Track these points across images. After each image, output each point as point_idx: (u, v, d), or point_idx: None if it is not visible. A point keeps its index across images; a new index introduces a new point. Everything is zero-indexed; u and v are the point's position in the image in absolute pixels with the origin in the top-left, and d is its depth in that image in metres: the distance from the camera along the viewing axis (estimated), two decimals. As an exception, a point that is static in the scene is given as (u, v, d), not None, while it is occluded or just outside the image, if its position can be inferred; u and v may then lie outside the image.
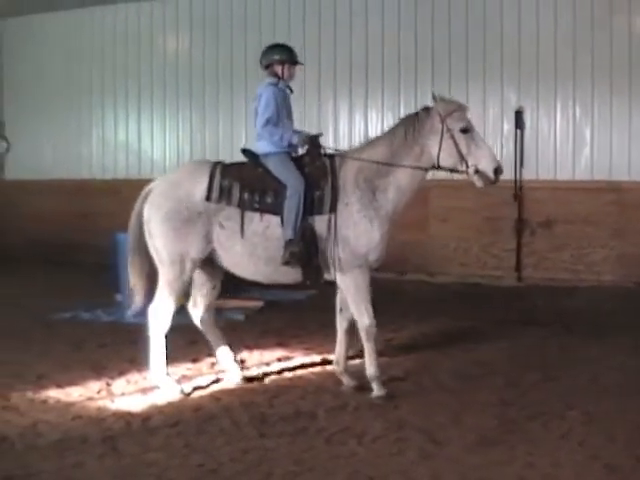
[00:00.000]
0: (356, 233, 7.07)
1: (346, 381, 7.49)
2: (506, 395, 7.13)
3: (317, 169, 7.25)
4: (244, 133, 14.31)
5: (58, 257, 15.10)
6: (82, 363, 8.32)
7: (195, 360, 8.33)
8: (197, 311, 7.78)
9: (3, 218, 16.53)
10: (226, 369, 7.73)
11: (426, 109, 7.27)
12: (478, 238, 13.52)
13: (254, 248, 7.19)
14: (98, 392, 7.37)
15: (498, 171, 7.06)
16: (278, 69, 7.54)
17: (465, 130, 7.07)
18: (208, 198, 7.18)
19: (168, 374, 7.34)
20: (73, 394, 7.29)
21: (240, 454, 5.76)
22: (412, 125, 7.19)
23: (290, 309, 11.27)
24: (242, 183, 7.20)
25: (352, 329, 7.58)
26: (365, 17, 14.29)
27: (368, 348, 7.25)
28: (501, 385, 7.44)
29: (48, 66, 17.28)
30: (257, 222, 7.15)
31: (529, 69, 13.20)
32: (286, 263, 7.09)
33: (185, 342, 8.57)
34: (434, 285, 13.30)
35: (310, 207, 7.09)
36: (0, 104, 18.10)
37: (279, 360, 8.45)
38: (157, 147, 16.12)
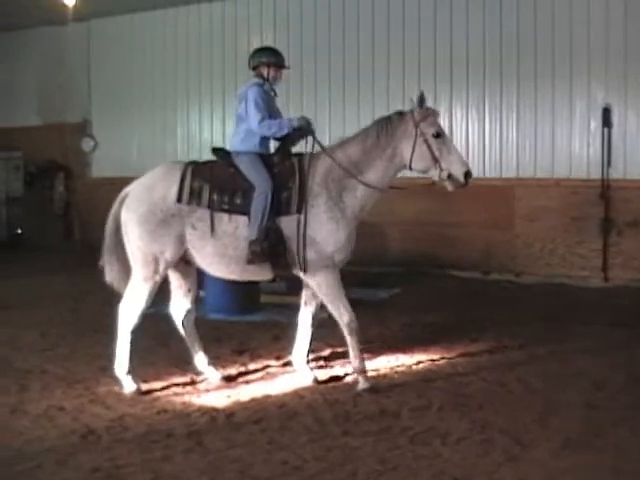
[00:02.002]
0: (323, 234, 7.18)
1: (305, 375, 7.64)
2: (592, 397, 7.01)
3: (286, 169, 7.36)
4: (327, 129, 14.32)
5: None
6: (167, 358, 8.48)
7: (278, 357, 8.38)
8: (178, 313, 7.86)
9: (89, 214, 16.78)
10: (203, 371, 7.82)
11: (400, 113, 7.43)
12: (564, 238, 13.35)
13: (225, 248, 7.28)
14: (183, 387, 7.48)
15: (468, 175, 7.20)
16: (264, 71, 7.68)
17: (437, 135, 7.22)
18: (179, 200, 7.27)
19: (129, 372, 7.40)
20: (158, 389, 7.42)
21: (324, 452, 5.78)
22: (385, 128, 7.34)
23: (373, 308, 11.22)
24: (212, 184, 7.29)
25: (315, 323, 7.82)
26: (450, 12, 14.22)
27: (352, 342, 7.39)
28: (587, 387, 7.33)
29: (134, 66, 17.65)
30: (226, 222, 7.25)
31: (616, 66, 12.98)
32: (250, 262, 7.20)
33: (270, 338, 8.61)
34: (519, 285, 13.18)
35: (278, 207, 7.18)
36: (87, 104, 18.49)
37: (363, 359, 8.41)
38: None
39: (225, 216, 7.25)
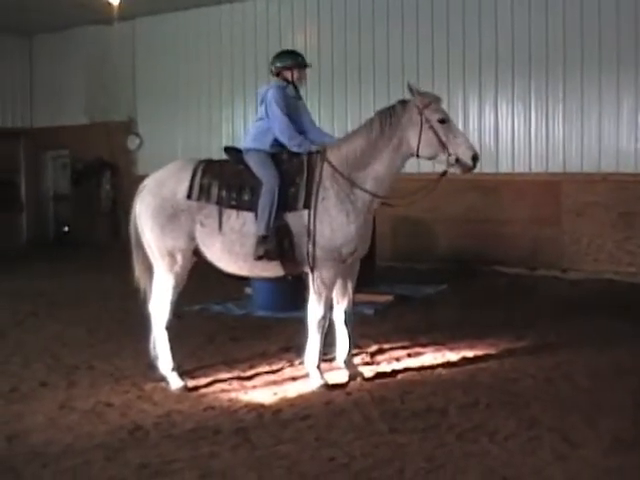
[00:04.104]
0: (332, 227, 7.20)
1: (353, 373, 7.63)
2: (642, 397, 6.94)
3: (294, 166, 7.39)
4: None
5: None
6: (214, 355, 8.51)
7: (325, 354, 8.36)
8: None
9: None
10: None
11: (402, 102, 7.41)
12: (612, 234, 13.19)
13: (232, 245, 7.33)
14: (229, 384, 7.50)
15: (476, 158, 7.20)
16: (288, 74, 7.71)
17: (443, 120, 7.22)
18: (189, 196, 7.34)
19: (174, 368, 7.47)
20: (206, 385, 7.45)
21: (371, 449, 5.76)
22: (388, 118, 7.33)
23: (420, 304, 11.23)
24: (221, 181, 7.36)
25: (350, 320, 7.75)
26: (495, 4, 14.13)
27: (314, 338, 7.37)
28: (636, 386, 7.22)
29: (178, 64, 17.76)
30: (234, 219, 7.31)
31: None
32: (259, 258, 7.23)
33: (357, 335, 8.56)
34: (566, 281, 13.06)
35: (285, 204, 7.20)
36: (133, 102, 18.64)
37: (409, 356, 8.42)
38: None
39: (233, 212, 7.32)
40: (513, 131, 14.10)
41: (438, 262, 14.23)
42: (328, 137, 7.74)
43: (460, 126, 13.28)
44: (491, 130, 14.26)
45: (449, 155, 7.18)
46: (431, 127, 7.17)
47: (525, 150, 13.98)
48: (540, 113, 13.89)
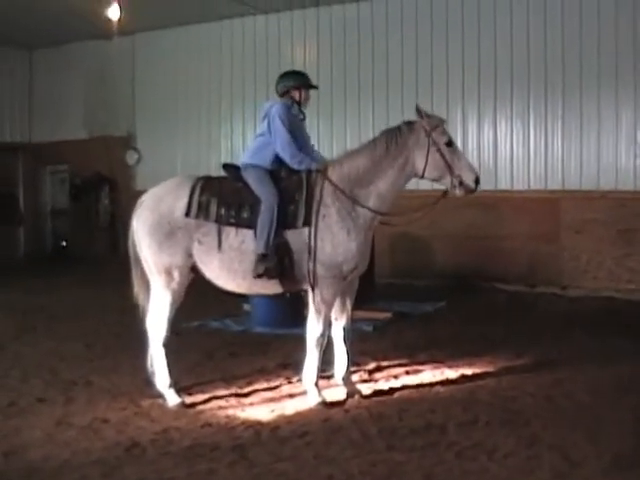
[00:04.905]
0: (333, 244, 7.19)
1: (351, 390, 7.62)
2: (643, 414, 6.91)
3: (293, 183, 7.38)
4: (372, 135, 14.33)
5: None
6: (212, 372, 8.48)
7: (323, 371, 8.33)
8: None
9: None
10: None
11: (409, 123, 7.45)
12: (612, 251, 13.20)
13: (231, 262, 7.32)
14: (227, 401, 7.47)
15: (478, 181, 7.30)
16: (295, 94, 7.76)
17: (449, 144, 7.30)
18: (187, 214, 7.33)
19: (171, 385, 7.45)
20: (203, 402, 7.43)
21: (369, 467, 5.74)
22: (394, 138, 7.37)
23: (418, 321, 11.21)
24: (219, 198, 7.34)
25: (349, 337, 7.74)
26: (494, 21, 14.17)
27: (313, 355, 7.36)
28: (638, 404, 7.18)
29: (178, 80, 17.76)
30: (233, 237, 7.30)
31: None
32: (258, 276, 7.22)
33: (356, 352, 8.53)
34: (566, 298, 13.05)
35: (284, 221, 7.20)
36: (132, 117, 18.64)
37: (408, 373, 8.40)
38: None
39: (232, 230, 7.30)
40: (512, 148, 14.13)
41: (437, 279, 14.22)
42: (322, 160, 7.68)
43: (459, 143, 13.30)
44: (490, 147, 14.29)
45: (453, 178, 7.24)
46: (438, 150, 7.23)
47: (524, 167, 14.01)
48: (539, 130, 13.92)
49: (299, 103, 7.79)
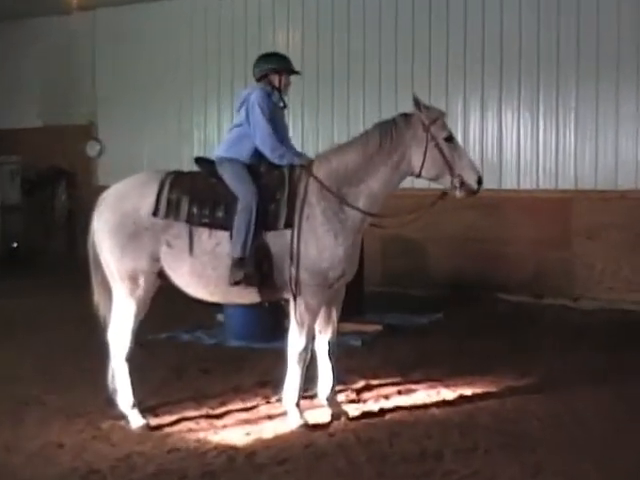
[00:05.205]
0: (318, 248, 7.19)
1: (336, 412, 7.63)
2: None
3: (274, 180, 7.39)
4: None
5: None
6: (182, 390, 8.48)
7: (306, 390, 8.35)
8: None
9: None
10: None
11: (405, 115, 7.47)
12: (629, 258, 13.22)
13: (203, 268, 7.30)
14: (197, 422, 7.47)
15: (480, 181, 7.34)
16: (275, 79, 7.78)
17: (449, 139, 7.34)
18: (155, 213, 7.30)
19: (135, 405, 7.45)
20: (171, 424, 7.42)
21: (356, 498, 5.78)
22: (389, 132, 7.37)
23: (412, 335, 11.23)
24: (191, 196, 7.32)
25: (334, 352, 7.77)
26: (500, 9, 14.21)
27: (294, 371, 7.36)
28: (652, 427, 7.28)
29: (145, 63, 17.74)
30: (206, 239, 7.28)
31: None
32: (236, 283, 7.21)
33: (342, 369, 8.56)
34: (577, 311, 13.07)
35: (264, 222, 7.20)
36: (93, 103, 18.57)
37: (400, 393, 8.43)
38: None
39: (205, 231, 7.28)
40: (519, 142, 14.13)
41: (433, 288, 14.24)
42: (304, 157, 7.68)
43: (460, 137, 13.34)
44: (494, 141, 14.30)
45: (453, 177, 7.27)
46: (437, 145, 7.25)
47: (532, 163, 14.02)
48: (549, 122, 13.93)
49: (279, 90, 7.80)
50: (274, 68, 7.77)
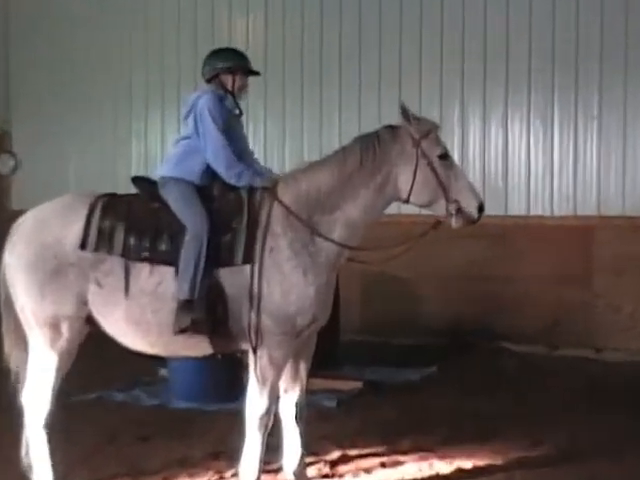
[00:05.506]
0: (284, 288, 7.14)
1: None
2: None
3: (230, 205, 7.38)
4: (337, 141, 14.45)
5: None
6: (115, 462, 8.43)
7: (268, 463, 8.36)
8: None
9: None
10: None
11: (390, 128, 7.49)
12: (664, 299, 13.35)
13: (142, 312, 7.23)
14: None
15: (482, 208, 7.35)
16: (228, 80, 7.80)
17: (443, 156, 7.35)
18: (83, 246, 7.25)
19: None
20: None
21: None
22: (371, 147, 7.35)
23: (398, 394, 11.25)
24: (128, 224, 7.29)
25: (302, 415, 7.75)
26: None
27: (254, 439, 7.30)
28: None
29: (71, 59, 17.62)
30: (146, 277, 7.22)
31: None
32: (182, 331, 7.14)
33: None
34: (600, 364, 13.13)
35: (217, 256, 7.17)
36: (5, 108, 18.47)
37: (384, 466, 8.44)
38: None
39: (145, 268, 7.22)
40: (528, 159, 14.23)
41: (424, 336, 14.27)
42: (267, 173, 7.73)
43: (457, 153, 13.47)
44: (499, 157, 14.38)
45: (449, 203, 7.26)
46: (429, 164, 7.24)
47: (545, 185, 14.10)
48: (566, 134, 14.04)
49: (232, 93, 7.82)
50: (227, 67, 7.77)
